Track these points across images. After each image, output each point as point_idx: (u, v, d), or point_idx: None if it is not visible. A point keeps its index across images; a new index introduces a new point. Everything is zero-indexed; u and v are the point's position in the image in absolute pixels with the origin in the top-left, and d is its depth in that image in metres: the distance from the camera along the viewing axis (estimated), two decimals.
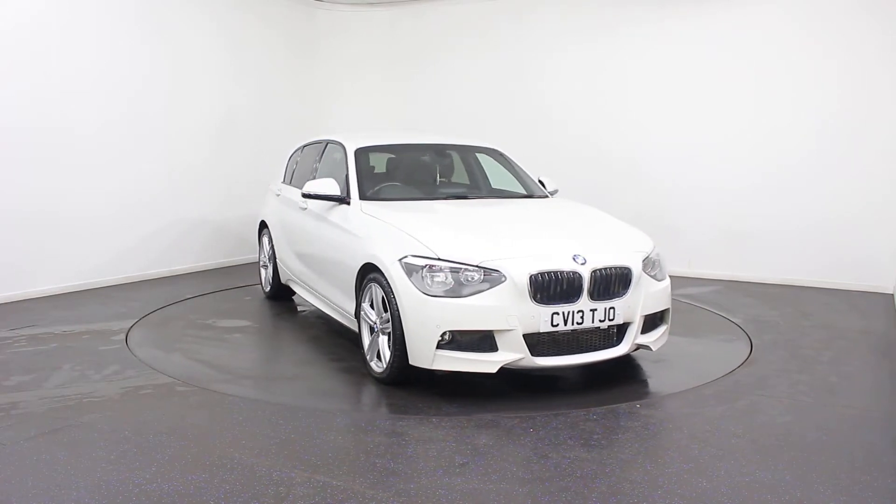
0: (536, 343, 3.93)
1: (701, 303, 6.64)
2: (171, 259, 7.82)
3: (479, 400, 4.03)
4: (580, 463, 3.19)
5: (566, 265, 3.97)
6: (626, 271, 4.12)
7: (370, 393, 4.27)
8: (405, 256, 4.06)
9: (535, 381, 4.40)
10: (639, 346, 4.30)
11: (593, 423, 3.69)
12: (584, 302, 3.97)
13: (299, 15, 9.41)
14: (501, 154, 5.96)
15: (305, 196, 5.17)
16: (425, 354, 3.94)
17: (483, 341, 3.90)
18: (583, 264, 4.00)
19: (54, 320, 5.74)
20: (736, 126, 7.70)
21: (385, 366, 4.21)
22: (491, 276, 3.90)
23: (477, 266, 3.92)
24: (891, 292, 6.96)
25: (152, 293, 6.83)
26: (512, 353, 3.88)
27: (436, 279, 3.93)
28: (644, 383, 4.45)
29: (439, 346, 3.91)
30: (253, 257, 8.58)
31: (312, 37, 9.60)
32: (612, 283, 4.07)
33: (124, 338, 5.27)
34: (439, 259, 3.98)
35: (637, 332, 4.20)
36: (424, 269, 3.96)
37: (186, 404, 3.95)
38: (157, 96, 7.55)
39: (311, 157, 6.19)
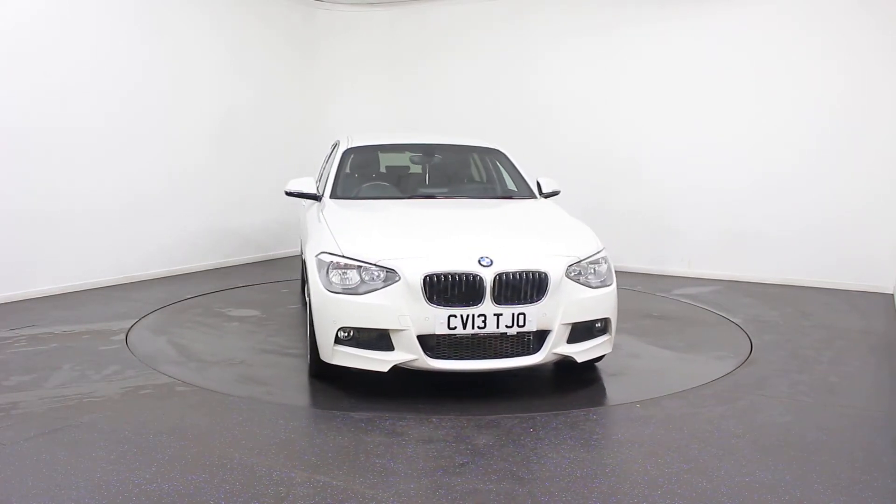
0: (435, 345, 3.84)
1: (701, 303, 6.64)
2: (171, 258, 7.81)
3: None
4: (580, 463, 3.19)
5: (467, 267, 3.83)
6: (541, 276, 3.88)
7: (294, 385, 4.35)
8: (319, 253, 4.14)
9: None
10: (564, 357, 4.01)
11: (593, 423, 3.69)
12: (488, 306, 3.80)
13: (299, 15, 9.40)
14: (501, 153, 5.95)
15: (286, 193, 5.34)
16: (327, 349, 4.01)
17: (380, 340, 3.89)
18: (487, 266, 3.83)
19: (54, 320, 5.74)
20: (736, 126, 7.70)
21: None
22: (387, 275, 3.89)
23: (374, 264, 3.92)
24: (891, 292, 6.96)
25: (152, 293, 6.82)
26: (406, 354, 3.84)
27: (343, 276, 3.97)
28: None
29: (339, 342, 3.95)
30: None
31: (312, 37, 9.60)
32: (523, 287, 3.86)
33: (124, 338, 5.27)
34: (343, 256, 4.01)
35: (557, 340, 3.93)
36: (330, 266, 4.01)
37: (186, 404, 3.95)
38: (157, 96, 7.54)
39: (327, 156, 6.43)
